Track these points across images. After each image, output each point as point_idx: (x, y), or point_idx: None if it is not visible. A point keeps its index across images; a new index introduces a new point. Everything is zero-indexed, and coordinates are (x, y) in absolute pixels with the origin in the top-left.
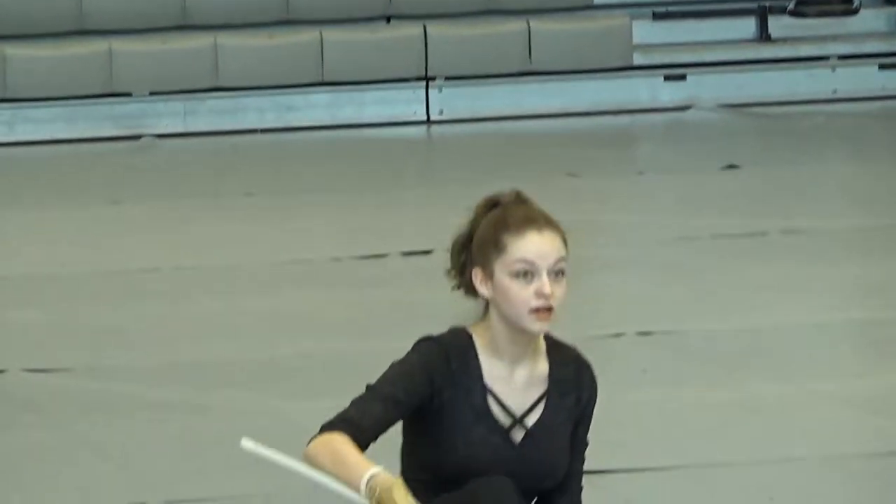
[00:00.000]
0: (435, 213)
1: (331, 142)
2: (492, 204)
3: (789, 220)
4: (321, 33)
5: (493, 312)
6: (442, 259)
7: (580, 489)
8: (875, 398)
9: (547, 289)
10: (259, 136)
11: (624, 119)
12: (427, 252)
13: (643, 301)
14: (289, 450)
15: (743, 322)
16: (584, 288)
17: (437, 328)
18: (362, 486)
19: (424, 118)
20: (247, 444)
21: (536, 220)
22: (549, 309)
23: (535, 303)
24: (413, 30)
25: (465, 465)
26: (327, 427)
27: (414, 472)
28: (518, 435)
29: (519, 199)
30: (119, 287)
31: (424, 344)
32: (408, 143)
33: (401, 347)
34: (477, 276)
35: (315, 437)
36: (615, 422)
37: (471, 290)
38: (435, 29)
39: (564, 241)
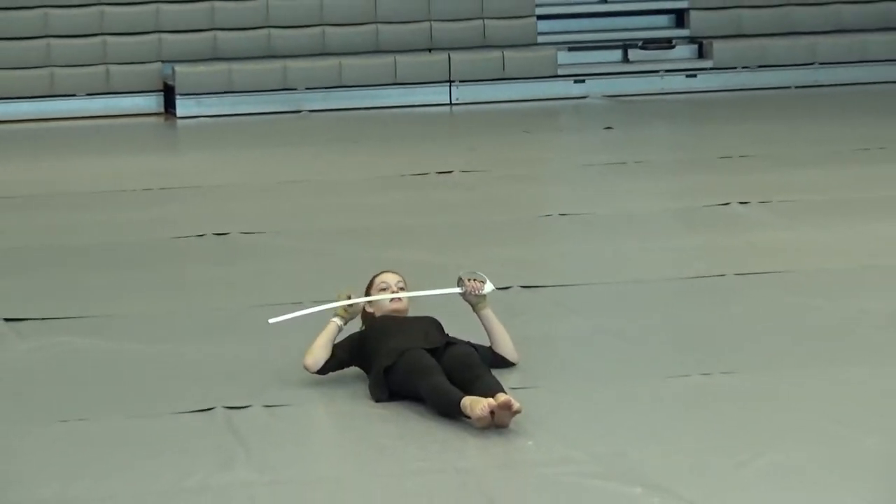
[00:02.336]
0: (453, 151)
1: (398, 115)
2: (373, 276)
3: (639, 156)
4: (395, 58)
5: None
6: (458, 177)
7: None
8: (693, 248)
9: (395, 292)
10: (358, 113)
11: (552, 103)
12: (450, 172)
13: (563, 197)
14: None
15: (620, 209)
16: (529, 192)
17: (453, 210)
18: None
19: (448, 102)
20: (272, 320)
21: (388, 271)
22: (399, 300)
23: (391, 304)
24: (443, 56)
25: (394, 346)
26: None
27: (374, 359)
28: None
29: (383, 270)
30: (287, 190)
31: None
32: (438, 116)
33: (435, 221)
34: (369, 307)
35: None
36: (546, 262)
37: (365, 318)
38: (454, 55)
39: (403, 278)
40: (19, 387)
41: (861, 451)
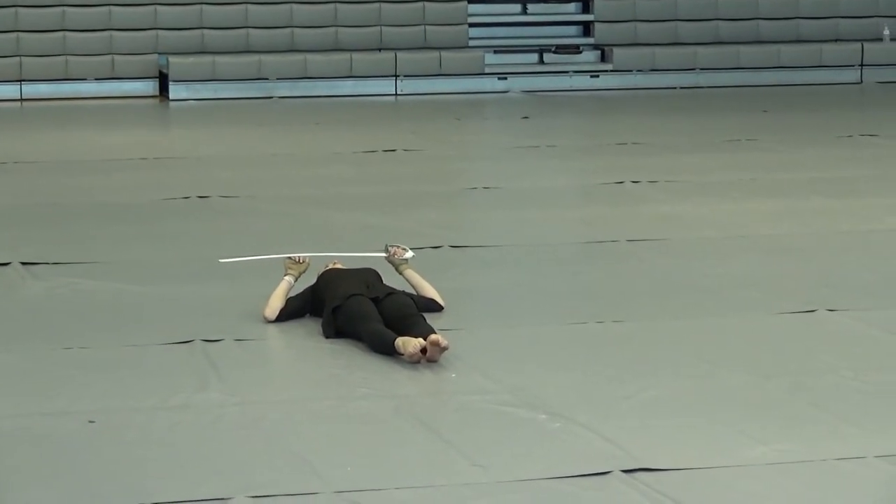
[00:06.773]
0: (396, 133)
1: (353, 103)
2: (324, 268)
3: (550, 141)
4: (351, 55)
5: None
6: (400, 155)
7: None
8: (592, 218)
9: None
10: (320, 100)
11: (479, 96)
12: (393, 150)
13: (486, 173)
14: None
15: (532, 184)
16: (458, 168)
17: (395, 182)
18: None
19: (394, 93)
20: (223, 260)
21: (333, 262)
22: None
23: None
24: (391, 55)
25: (341, 292)
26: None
27: (326, 302)
28: None
29: (330, 265)
30: (259, 162)
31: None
32: (386, 104)
33: (380, 190)
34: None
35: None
36: (471, 226)
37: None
38: (400, 54)
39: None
40: (33, 319)
41: (724, 385)
